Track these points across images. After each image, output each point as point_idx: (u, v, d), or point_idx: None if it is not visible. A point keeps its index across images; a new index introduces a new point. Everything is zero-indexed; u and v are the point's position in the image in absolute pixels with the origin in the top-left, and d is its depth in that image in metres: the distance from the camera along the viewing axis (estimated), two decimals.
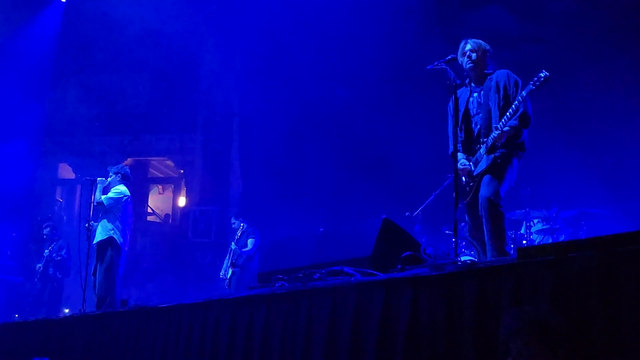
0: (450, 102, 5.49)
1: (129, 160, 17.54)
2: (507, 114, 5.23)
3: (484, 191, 5.27)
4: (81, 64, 16.63)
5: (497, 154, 5.32)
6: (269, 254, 6.26)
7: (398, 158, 12.28)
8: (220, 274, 11.61)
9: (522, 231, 9.47)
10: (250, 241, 11.23)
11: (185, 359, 5.40)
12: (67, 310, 12.51)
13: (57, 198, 17.93)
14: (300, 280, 4.70)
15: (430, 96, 9.41)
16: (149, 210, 18.85)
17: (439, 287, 3.62)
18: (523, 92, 5.16)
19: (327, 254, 5.02)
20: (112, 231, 8.64)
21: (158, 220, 18.77)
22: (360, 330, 3.96)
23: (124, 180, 9.02)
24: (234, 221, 11.86)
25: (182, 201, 17.20)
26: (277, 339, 4.52)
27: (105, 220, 8.72)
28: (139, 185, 18.61)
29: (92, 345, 6.81)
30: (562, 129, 10.84)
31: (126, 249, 8.87)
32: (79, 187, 17.56)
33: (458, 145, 5.40)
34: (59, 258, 12.24)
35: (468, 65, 5.60)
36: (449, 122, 5.69)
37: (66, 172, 17.93)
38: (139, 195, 18.84)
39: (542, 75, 5.03)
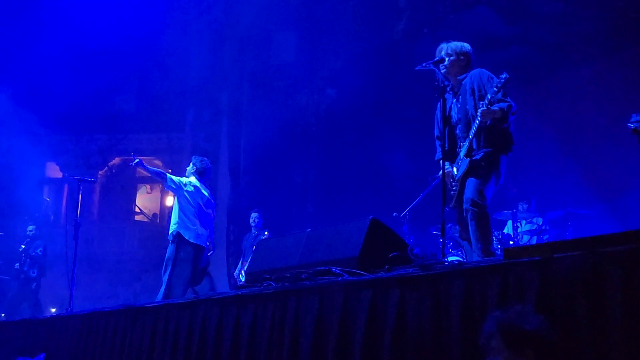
0: (438, 108, 5.51)
1: (116, 160, 17.50)
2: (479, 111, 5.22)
3: (468, 192, 5.26)
4: (70, 63, 16.57)
5: (477, 156, 5.31)
6: (257, 254, 6.25)
7: (386, 158, 12.32)
8: (235, 272, 11.60)
9: (506, 231, 9.52)
10: None
11: (173, 359, 5.39)
12: (53, 310, 12.49)
13: (44, 197, 17.86)
14: (287, 280, 4.70)
15: (418, 97, 9.45)
16: (137, 209, 18.82)
17: (426, 287, 3.62)
18: (489, 95, 5.15)
19: (314, 254, 5.01)
20: (177, 225, 8.44)
21: (146, 220, 18.73)
22: (347, 329, 3.97)
23: (198, 174, 8.70)
24: (253, 214, 11.66)
25: (170, 201, 17.17)
26: (265, 338, 4.52)
27: (174, 213, 8.56)
28: (127, 184, 18.59)
29: (79, 344, 6.79)
30: (548, 130, 10.90)
31: (193, 243, 8.44)
32: (66, 186, 17.51)
33: (441, 152, 5.39)
34: (33, 254, 12.32)
35: (442, 71, 5.55)
36: (435, 127, 5.72)
37: (53, 171, 17.87)
38: (127, 195, 18.82)
39: (502, 77, 5.10)
